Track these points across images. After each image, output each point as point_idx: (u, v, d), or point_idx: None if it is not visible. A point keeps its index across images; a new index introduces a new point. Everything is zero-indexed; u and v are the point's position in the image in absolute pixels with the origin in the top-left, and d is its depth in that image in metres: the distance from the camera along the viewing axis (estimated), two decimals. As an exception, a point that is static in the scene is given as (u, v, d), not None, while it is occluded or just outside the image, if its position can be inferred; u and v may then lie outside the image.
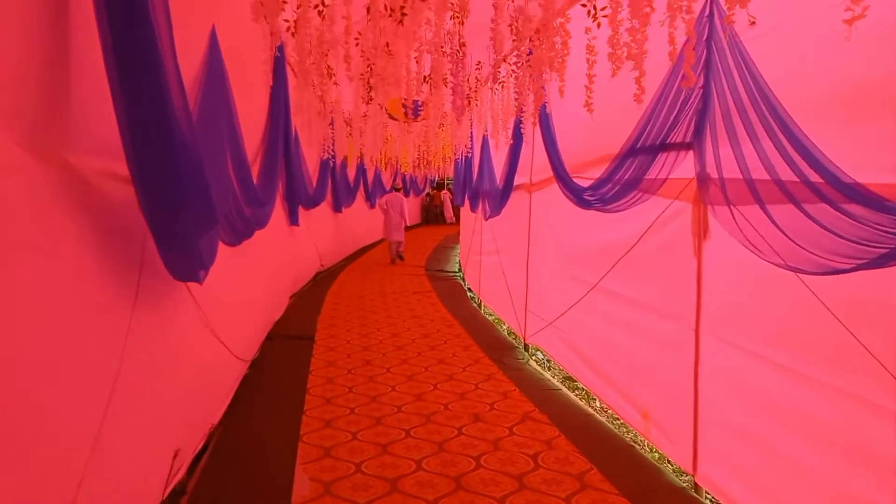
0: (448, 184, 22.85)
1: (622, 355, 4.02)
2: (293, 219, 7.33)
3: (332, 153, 7.23)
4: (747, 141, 2.43)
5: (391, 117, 7.27)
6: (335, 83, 5.04)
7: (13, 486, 1.51)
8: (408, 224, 12.75)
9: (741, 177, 2.45)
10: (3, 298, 1.47)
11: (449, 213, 23.24)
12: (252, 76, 3.82)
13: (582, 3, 2.64)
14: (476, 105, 6.48)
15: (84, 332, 1.90)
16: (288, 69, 5.06)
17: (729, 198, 2.58)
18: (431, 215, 24.05)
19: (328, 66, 3.64)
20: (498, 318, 7.38)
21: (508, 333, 6.75)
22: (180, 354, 2.94)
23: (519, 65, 3.41)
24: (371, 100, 5.22)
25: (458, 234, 12.50)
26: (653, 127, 3.06)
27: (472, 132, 7.82)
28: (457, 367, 5.32)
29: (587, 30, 2.70)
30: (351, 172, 12.03)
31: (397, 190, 13.18)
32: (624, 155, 3.33)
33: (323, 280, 10.22)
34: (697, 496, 3.12)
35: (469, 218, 9.39)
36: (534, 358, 5.74)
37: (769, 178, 2.29)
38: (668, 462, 3.51)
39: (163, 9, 1.83)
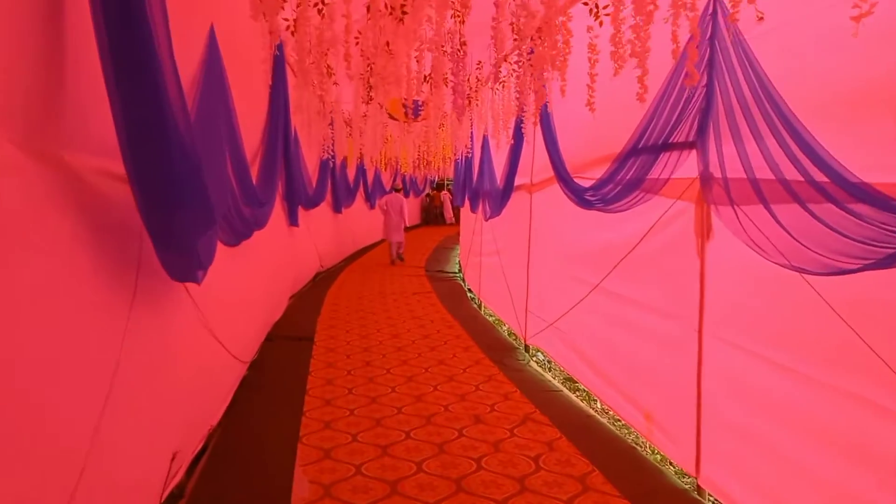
0: (448, 184, 22.84)
1: (624, 356, 3.99)
2: (293, 219, 7.30)
3: (332, 153, 7.21)
4: (751, 140, 2.41)
5: (391, 117, 7.24)
6: (335, 83, 5.02)
7: (7, 491, 1.49)
8: (407, 225, 12.74)
9: (745, 176, 2.43)
10: (-2, 299, 1.44)
11: (449, 213, 23.23)
12: (251, 75, 3.80)
13: (584, 1, 2.62)
14: (476, 105, 6.46)
15: (80, 333, 1.88)
16: (287, 68, 5.04)
17: (733, 198, 2.55)
18: (431, 216, 24.04)
19: (328, 66, 3.61)
20: (498, 319, 7.36)
21: (509, 334, 6.73)
22: (179, 355, 2.92)
23: (520, 64, 3.38)
24: (371, 99, 5.20)
25: (458, 234, 12.49)
26: (655, 126, 3.03)
27: (472, 132, 7.80)
28: (457, 368, 5.29)
29: (589, 28, 2.68)
30: (351, 173, 12.01)
31: (397, 191, 13.16)
32: (626, 155, 3.31)
33: (322, 281, 10.19)
34: (700, 498, 3.10)
35: (469, 218, 9.37)
36: (534, 359, 5.71)
37: (774, 177, 2.27)
38: (670, 464, 3.49)
39: (160, 7, 1.81)
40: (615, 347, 4.12)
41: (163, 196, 1.88)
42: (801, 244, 2.17)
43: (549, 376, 5.18)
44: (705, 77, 2.73)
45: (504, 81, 5.10)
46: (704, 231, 3.05)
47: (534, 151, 5.66)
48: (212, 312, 3.39)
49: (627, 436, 3.94)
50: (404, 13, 2.70)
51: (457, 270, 11.43)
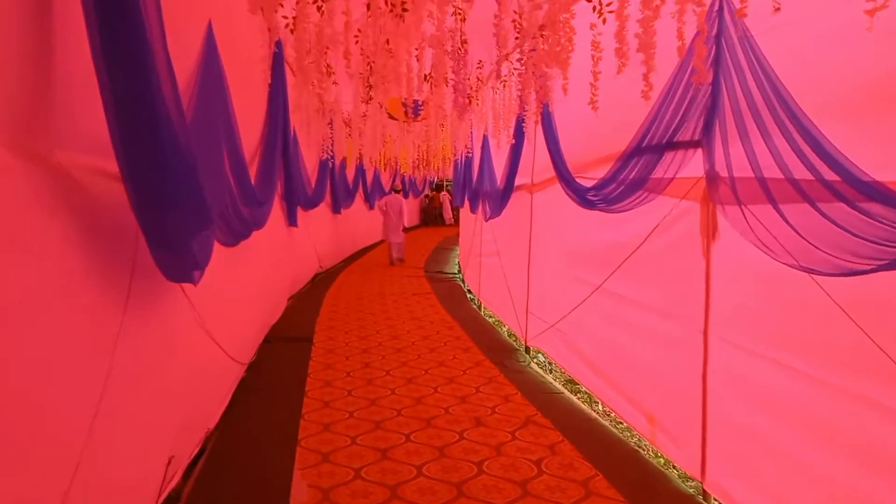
0: (447, 185, 22.82)
1: (626, 358, 3.95)
2: (292, 219, 7.26)
3: (331, 153, 7.17)
4: (759, 138, 2.36)
5: (391, 117, 7.20)
6: (334, 82, 4.98)
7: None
8: (406, 226, 12.71)
9: (753, 175, 2.38)
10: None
11: (448, 214, 23.21)
12: (250, 73, 3.75)
13: (587, -3, 2.58)
14: (477, 104, 6.41)
15: (71, 336, 1.83)
16: (287, 67, 4.99)
17: (740, 197, 2.51)
18: (430, 217, 24.02)
19: (327, 65, 3.57)
20: (498, 320, 7.31)
21: (509, 335, 6.68)
22: (175, 357, 2.86)
23: (522, 61, 3.34)
24: (370, 99, 5.16)
25: (457, 235, 12.45)
26: (659, 125, 2.99)
27: (472, 132, 7.76)
28: (457, 369, 5.24)
29: (592, 25, 2.64)
30: (350, 173, 11.97)
31: (397, 191, 13.13)
32: (629, 154, 3.26)
33: (321, 281, 10.15)
34: (705, 503, 3.05)
35: (469, 219, 9.33)
36: (535, 360, 5.66)
37: (782, 176, 2.22)
38: (674, 467, 3.44)
39: (153, 1, 1.76)
40: (617, 349, 4.08)
41: (156, 195, 1.83)
42: (811, 244, 2.12)
43: (550, 378, 5.14)
44: (711, 74, 2.68)
45: (505, 80, 5.06)
46: (710, 231, 3.00)
47: (534, 151, 5.62)
48: (209, 313, 3.34)
49: (630, 438, 3.89)
50: (405, 10, 2.66)
51: (456, 271, 11.39)
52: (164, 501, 2.73)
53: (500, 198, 6.44)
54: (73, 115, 1.80)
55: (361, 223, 14.46)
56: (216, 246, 2.82)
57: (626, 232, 3.79)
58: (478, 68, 5.39)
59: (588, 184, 3.98)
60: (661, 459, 3.58)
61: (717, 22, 2.63)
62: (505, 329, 6.94)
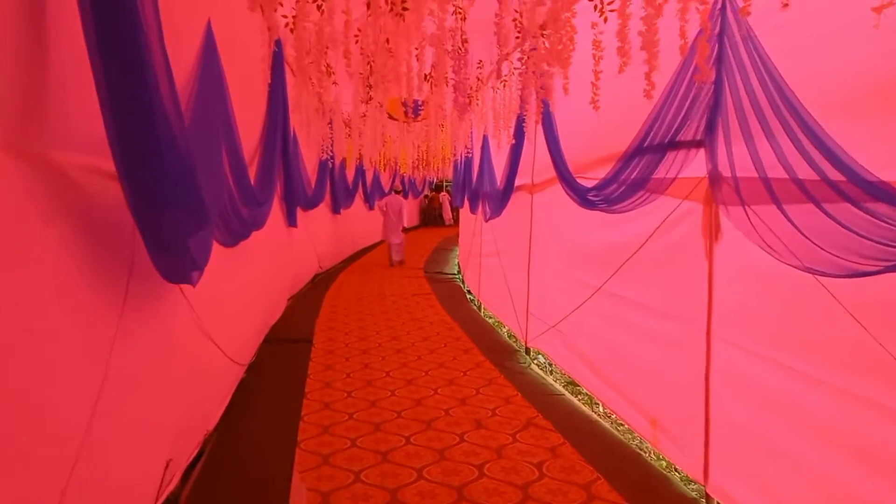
0: (446, 185, 22.81)
1: (627, 359, 3.92)
2: (291, 220, 7.23)
3: (331, 154, 7.14)
4: (762, 138, 2.34)
5: (391, 117, 7.18)
6: (334, 82, 4.96)
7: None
8: (406, 226, 12.70)
9: (756, 175, 2.36)
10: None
11: (447, 214, 23.20)
12: (250, 73, 3.73)
13: (588, -4, 2.55)
14: (477, 104, 6.39)
15: (66, 336, 1.80)
16: (286, 67, 4.97)
17: (743, 197, 2.48)
18: (430, 217, 24.01)
19: (327, 64, 3.55)
20: (498, 321, 7.28)
21: (509, 336, 6.66)
22: (173, 359, 2.84)
23: (523, 60, 3.32)
24: (370, 99, 5.14)
25: (457, 235, 12.43)
26: (661, 124, 2.96)
27: (472, 132, 7.74)
28: (457, 371, 5.22)
29: (593, 24, 2.62)
30: (350, 173, 11.95)
31: (397, 192, 13.11)
32: (630, 154, 3.24)
33: (321, 282, 10.12)
34: (708, 506, 3.03)
35: (469, 220, 9.30)
36: (535, 362, 5.64)
37: (786, 176, 2.20)
38: (676, 470, 3.41)
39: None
40: (618, 350, 4.05)
41: (153, 194, 1.81)
42: (816, 245, 2.10)
43: (550, 380, 5.11)
44: (714, 73, 2.66)
45: (506, 80, 5.03)
46: (713, 232, 2.98)
47: (535, 151, 5.60)
48: (208, 314, 3.32)
49: (631, 441, 3.86)
50: (405, 10, 2.64)
51: (456, 272, 11.36)
52: (161, 505, 2.70)
53: (500, 198, 6.41)
54: (68, 113, 1.78)
55: (361, 224, 14.43)
56: (215, 246, 2.80)
57: (628, 233, 3.77)
58: (478, 68, 5.36)
59: (589, 184, 3.95)
60: (664, 462, 3.55)
61: (719, 20, 2.61)
62: (505, 330, 6.92)
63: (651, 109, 2.95)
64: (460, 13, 3.60)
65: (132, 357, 2.27)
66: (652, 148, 3.07)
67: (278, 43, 3.72)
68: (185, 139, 1.96)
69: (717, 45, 2.63)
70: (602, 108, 2.82)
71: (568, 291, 4.83)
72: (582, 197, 4.08)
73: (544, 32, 2.76)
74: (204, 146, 2.64)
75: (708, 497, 3.03)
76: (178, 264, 2.27)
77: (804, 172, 2.12)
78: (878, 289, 2.02)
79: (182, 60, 2.58)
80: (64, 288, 1.78)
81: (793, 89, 2.21)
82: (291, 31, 2.81)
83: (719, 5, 2.60)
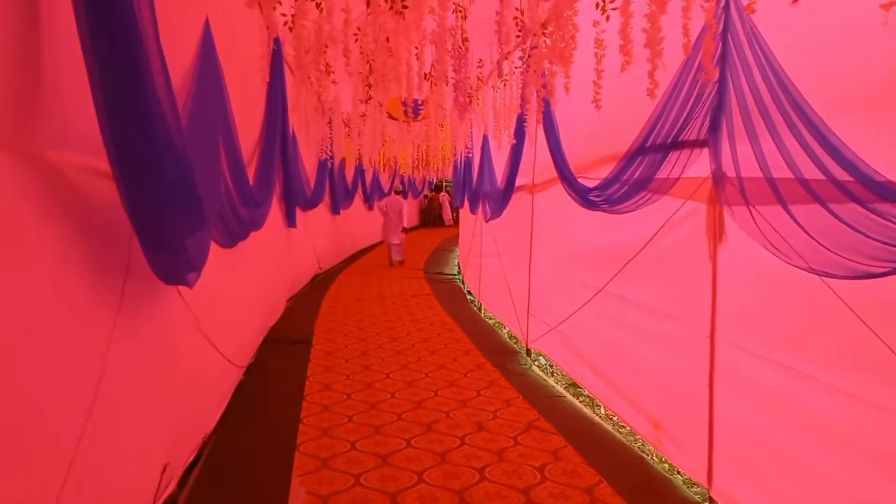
0: (446, 186, 22.78)
1: (629, 361, 3.89)
2: (290, 220, 7.19)
3: (331, 154, 7.11)
4: (767, 137, 2.31)
5: (390, 117, 7.15)
6: (333, 81, 4.93)
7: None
8: (406, 226, 12.67)
9: (761, 175, 2.32)
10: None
11: (447, 215, 23.17)
12: (248, 72, 3.69)
13: (590, -6, 2.53)
14: (478, 104, 6.36)
15: (61, 337, 1.77)
16: (285, 66, 4.94)
17: (748, 198, 2.45)
18: (430, 217, 23.98)
19: (326, 63, 3.52)
20: (498, 322, 7.25)
21: (510, 338, 6.62)
22: (170, 360, 2.80)
23: (524, 59, 3.29)
24: (370, 98, 5.11)
25: (457, 236, 12.40)
26: (664, 124, 2.93)
27: (472, 132, 7.71)
28: (458, 372, 5.19)
29: (595, 23, 2.59)
30: (349, 174, 11.92)
31: (398, 192, 13.09)
32: (633, 154, 3.21)
33: (321, 283, 10.09)
34: (711, 510, 3.00)
35: (469, 220, 9.27)
36: (536, 363, 5.61)
37: (792, 176, 2.17)
38: (679, 473, 3.38)
39: (146, -4, 1.71)
40: (620, 352, 4.02)
41: (149, 194, 1.78)
42: (823, 246, 2.07)
43: (551, 381, 5.08)
44: (717, 72, 2.63)
45: (506, 79, 5.00)
46: (717, 232, 2.95)
47: (535, 151, 5.57)
48: (206, 315, 3.28)
49: (633, 443, 3.83)
50: (405, 8, 2.61)
51: (456, 272, 11.34)
52: (159, 509, 2.67)
53: (501, 198, 6.38)
54: (64, 112, 1.75)
55: (361, 224, 14.40)
56: (213, 247, 2.77)
57: (630, 233, 3.74)
58: (478, 67, 5.33)
59: (590, 184, 3.92)
60: (666, 465, 3.52)
61: (723, 18, 2.58)
62: (505, 331, 6.89)
63: (654, 108, 2.92)
64: (461, 11, 3.57)
65: (129, 358, 2.24)
66: (655, 147, 3.04)
67: (277, 41, 3.68)
68: (181, 139, 1.93)
69: (720, 43, 2.60)
70: (604, 108, 2.79)
71: (569, 292, 4.80)
72: (583, 197, 4.05)
73: (546, 31, 2.73)
74: (201, 146, 2.61)
75: (711, 500, 3.00)
76: (175, 265, 2.24)
77: (810, 172, 2.09)
78: (883, 289, 1.99)
79: (179, 59, 2.55)
80: (61, 288, 1.76)
81: (798, 88, 2.18)
82: (290, 29, 2.79)
83: (723, 3, 2.57)
